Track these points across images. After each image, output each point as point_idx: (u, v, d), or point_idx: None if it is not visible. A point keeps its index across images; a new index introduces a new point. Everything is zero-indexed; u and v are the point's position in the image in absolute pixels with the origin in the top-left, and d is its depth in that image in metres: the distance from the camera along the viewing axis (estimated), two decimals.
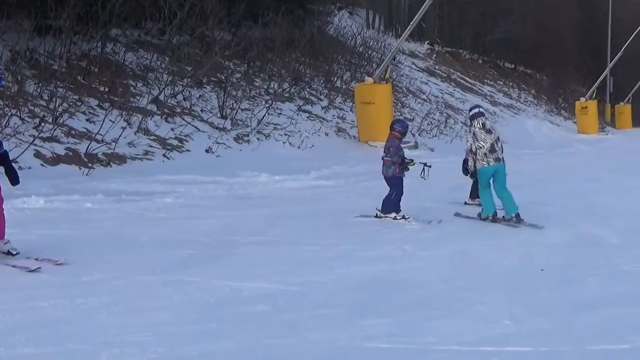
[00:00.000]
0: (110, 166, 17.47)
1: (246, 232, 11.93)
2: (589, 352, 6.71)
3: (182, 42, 25.82)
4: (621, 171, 24.92)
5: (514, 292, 8.87)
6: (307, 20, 33.59)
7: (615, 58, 53.16)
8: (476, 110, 14.36)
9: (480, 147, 13.80)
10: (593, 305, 8.31)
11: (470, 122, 14.29)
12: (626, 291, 9.08)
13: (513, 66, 62.34)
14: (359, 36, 40.27)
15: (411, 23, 30.44)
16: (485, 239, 12.39)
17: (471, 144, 13.86)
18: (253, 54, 28.56)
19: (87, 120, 19.03)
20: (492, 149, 13.79)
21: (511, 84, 58.12)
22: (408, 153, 14.33)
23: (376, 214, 13.68)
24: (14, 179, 9.44)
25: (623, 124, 59.22)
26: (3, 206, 9.27)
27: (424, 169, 14.61)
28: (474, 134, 13.88)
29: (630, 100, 60.20)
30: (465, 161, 15.76)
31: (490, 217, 13.97)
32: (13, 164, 9.44)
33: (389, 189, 13.77)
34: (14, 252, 9.26)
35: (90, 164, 17.06)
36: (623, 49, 52.79)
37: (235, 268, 9.54)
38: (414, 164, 13.92)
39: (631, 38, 54.35)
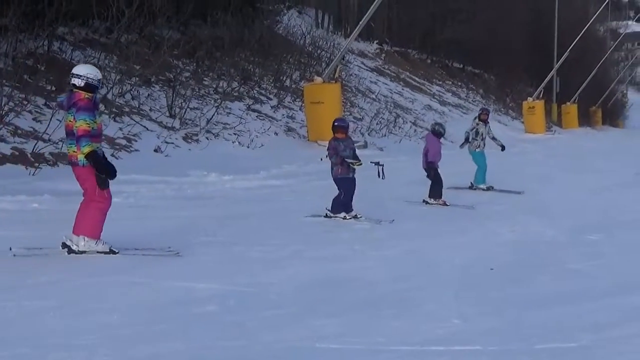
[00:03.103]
0: (58, 166, 17.25)
1: (196, 232, 11.87)
2: (537, 350, 6.76)
3: (130, 40, 25.62)
4: (568, 170, 25.25)
5: (464, 291, 8.92)
6: (256, 19, 33.53)
7: (562, 59, 53.81)
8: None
9: None
10: (542, 304, 8.38)
11: None
12: (574, 289, 9.17)
13: (461, 66, 62.85)
14: (308, 35, 40.32)
15: (360, 23, 30.51)
16: (436, 238, 12.46)
17: None
18: (202, 52, 28.41)
19: (33, 119, 18.79)
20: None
21: (459, 83, 58.59)
22: (358, 153, 14.30)
23: (326, 214, 13.69)
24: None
25: (569, 124, 60.06)
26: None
27: (378, 170, 14.66)
28: None
29: (576, 100, 61.07)
30: (431, 164, 16.15)
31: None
32: None
33: (337, 190, 13.79)
34: (116, 251, 9.86)
35: (37, 164, 16.84)
36: (569, 49, 53.48)
37: (185, 269, 9.48)
38: (360, 164, 13.84)
39: (577, 39, 55.14)
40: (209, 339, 6.81)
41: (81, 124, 9.44)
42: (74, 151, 9.62)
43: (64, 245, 9.81)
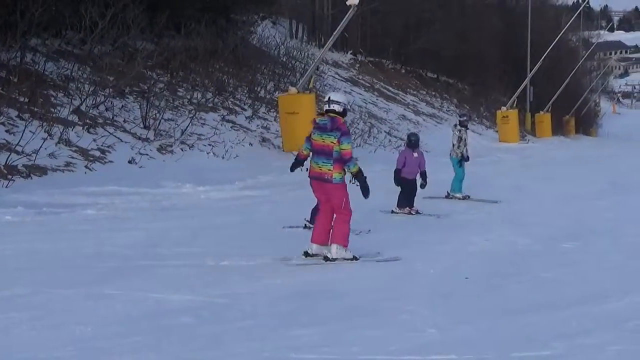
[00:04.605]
0: (31, 178, 17.16)
1: (170, 244, 11.83)
2: (512, 358, 6.79)
3: (104, 51, 25.50)
4: (542, 179, 25.37)
5: (439, 300, 8.94)
6: (230, 30, 33.45)
7: (535, 68, 54.07)
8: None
9: None
10: (516, 312, 8.42)
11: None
12: (547, 298, 9.21)
13: (435, 76, 63.00)
14: (282, 46, 40.32)
15: (334, 33, 30.51)
16: (411, 247, 12.45)
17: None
18: (176, 63, 28.33)
19: (6, 131, 18.66)
20: None
21: (434, 93, 58.73)
22: None
23: (305, 225, 13.67)
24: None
25: (543, 133, 60.28)
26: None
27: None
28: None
29: (549, 109, 61.32)
30: (397, 171, 16.25)
31: None
32: None
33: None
34: (358, 257, 11.00)
35: (10, 176, 16.72)
36: (542, 59, 53.75)
37: (158, 280, 9.45)
38: None
39: (549, 48, 55.44)
40: (183, 351, 6.78)
41: (348, 147, 10.99)
42: (329, 169, 11.03)
43: (306, 254, 11.02)
